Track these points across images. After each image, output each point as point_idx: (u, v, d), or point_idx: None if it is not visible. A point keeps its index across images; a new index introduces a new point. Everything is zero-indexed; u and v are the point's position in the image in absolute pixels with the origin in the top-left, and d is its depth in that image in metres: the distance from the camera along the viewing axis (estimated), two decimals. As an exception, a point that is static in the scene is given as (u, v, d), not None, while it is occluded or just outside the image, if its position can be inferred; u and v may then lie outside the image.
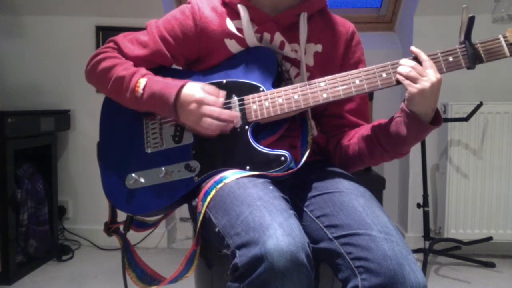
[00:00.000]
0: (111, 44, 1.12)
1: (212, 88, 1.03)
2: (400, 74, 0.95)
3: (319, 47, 1.11)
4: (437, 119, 0.97)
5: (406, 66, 0.94)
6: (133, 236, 1.25)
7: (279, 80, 1.08)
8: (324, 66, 1.11)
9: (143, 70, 1.06)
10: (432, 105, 0.95)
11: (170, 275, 1.03)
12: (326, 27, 1.13)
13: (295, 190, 1.04)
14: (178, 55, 1.11)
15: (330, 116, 1.16)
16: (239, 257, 0.79)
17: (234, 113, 1.02)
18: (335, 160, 1.14)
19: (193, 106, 0.99)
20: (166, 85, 1.02)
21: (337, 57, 1.13)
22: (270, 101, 1.01)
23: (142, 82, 1.03)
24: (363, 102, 1.16)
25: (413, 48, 0.97)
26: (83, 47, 2.52)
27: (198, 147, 1.04)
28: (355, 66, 1.13)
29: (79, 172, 2.59)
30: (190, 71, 1.12)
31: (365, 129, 1.08)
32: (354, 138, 1.09)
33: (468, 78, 1.86)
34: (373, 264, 0.82)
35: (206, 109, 0.99)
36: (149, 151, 1.09)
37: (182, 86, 1.01)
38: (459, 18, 0.95)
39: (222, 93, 1.03)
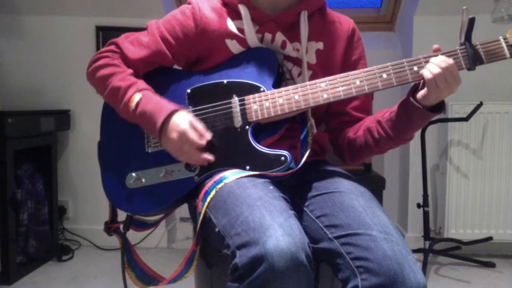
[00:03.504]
0: (112, 47, 1.11)
1: (200, 126, 1.01)
2: (434, 69, 0.92)
3: (320, 45, 1.11)
4: (441, 105, 0.96)
5: (444, 62, 0.91)
6: (133, 236, 1.25)
7: (280, 80, 1.08)
8: (326, 64, 1.11)
9: (140, 84, 1.05)
10: (441, 98, 0.95)
11: (170, 275, 1.03)
12: (327, 24, 1.13)
13: (295, 190, 1.04)
14: (179, 55, 1.11)
15: (336, 114, 1.16)
16: (239, 257, 0.79)
17: (208, 158, 1.01)
18: (345, 154, 1.15)
19: (175, 135, 0.98)
20: (158, 108, 1.01)
21: (339, 54, 1.13)
22: (271, 101, 1.01)
23: (136, 97, 1.02)
24: (367, 98, 1.17)
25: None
26: (83, 47, 2.51)
27: None
28: (357, 62, 1.14)
29: (79, 172, 2.59)
30: (191, 71, 1.12)
31: (369, 121, 1.09)
32: (360, 131, 1.10)
33: (468, 78, 1.85)
34: (373, 264, 0.82)
35: (188, 141, 0.98)
36: (150, 151, 1.09)
37: (171, 114, 1.00)
38: (459, 18, 0.95)
39: (208, 135, 1.01)
